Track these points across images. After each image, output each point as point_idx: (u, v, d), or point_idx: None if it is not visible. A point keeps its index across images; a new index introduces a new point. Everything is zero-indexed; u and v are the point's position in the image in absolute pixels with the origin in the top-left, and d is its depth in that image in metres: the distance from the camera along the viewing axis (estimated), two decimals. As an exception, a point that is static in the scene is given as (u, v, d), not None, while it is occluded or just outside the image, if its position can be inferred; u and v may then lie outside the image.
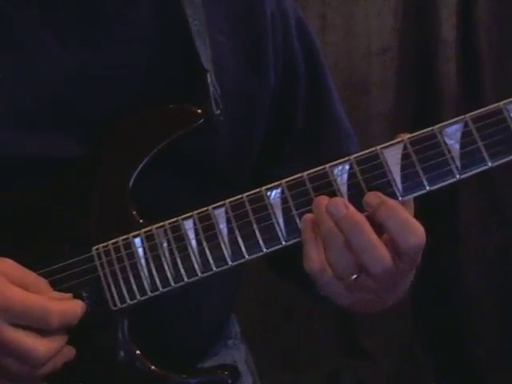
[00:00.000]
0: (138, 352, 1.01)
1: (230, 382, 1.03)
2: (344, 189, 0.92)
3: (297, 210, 0.94)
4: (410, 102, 2.66)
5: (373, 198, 0.91)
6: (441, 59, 2.60)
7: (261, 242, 0.95)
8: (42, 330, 0.93)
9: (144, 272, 0.98)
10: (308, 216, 0.93)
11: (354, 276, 0.91)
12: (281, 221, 0.94)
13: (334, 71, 2.51)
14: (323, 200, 0.92)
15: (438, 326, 2.71)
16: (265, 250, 0.95)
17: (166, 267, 0.97)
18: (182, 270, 0.97)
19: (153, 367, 1.01)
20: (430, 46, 2.61)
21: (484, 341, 2.64)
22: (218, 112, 1.05)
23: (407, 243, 0.89)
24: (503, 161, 0.89)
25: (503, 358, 2.61)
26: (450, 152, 0.90)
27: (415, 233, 0.89)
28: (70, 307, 0.96)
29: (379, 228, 0.91)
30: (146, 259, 0.98)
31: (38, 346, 0.92)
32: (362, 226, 0.89)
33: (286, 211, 0.94)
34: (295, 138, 1.22)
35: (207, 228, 0.96)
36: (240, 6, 1.15)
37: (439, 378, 2.69)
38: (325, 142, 1.23)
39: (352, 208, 0.90)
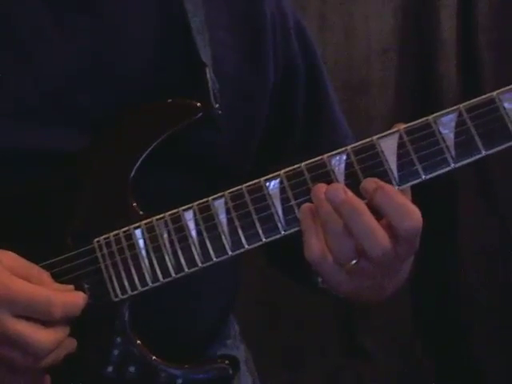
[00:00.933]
0: (138, 342, 1.01)
1: (230, 371, 1.04)
2: (341, 178, 0.94)
3: (295, 200, 0.95)
4: (409, 102, 2.66)
5: (370, 183, 0.92)
6: (441, 59, 2.60)
7: (260, 231, 0.96)
8: (44, 321, 0.93)
9: (145, 263, 0.99)
10: (306, 205, 0.94)
11: (354, 261, 0.92)
12: (279, 210, 0.95)
13: (333, 71, 2.53)
14: (321, 187, 0.93)
15: (438, 326, 2.71)
16: (264, 239, 0.96)
17: (167, 258, 0.98)
18: (183, 261, 0.98)
19: (154, 357, 1.02)
20: (430, 46, 2.61)
21: (484, 341, 2.64)
22: (217, 106, 1.06)
23: (404, 226, 0.90)
24: (497, 149, 0.90)
25: (503, 358, 2.61)
26: (444, 141, 0.91)
27: (411, 216, 0.91)
28: (72, 299, 0.97)
29: (377, 214, 0.92)
30: (147, 250, 0.99)
31: (41, 337, 0.93)
32: (361, 210, 0.91)
33: (284, 201, 0.95)
34: (295, 137, 1.23)
35: (207, 219, 0.97)
36: (240, 3, 1.16)
37: (439, 377, 2.69)
38: (323, 142, 1.24)
39: (351, 193, 0.91)
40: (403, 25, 2.62)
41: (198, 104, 1.05)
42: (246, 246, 0.96)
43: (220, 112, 1.06)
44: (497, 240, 2.64)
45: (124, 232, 1.00)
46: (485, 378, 2.64)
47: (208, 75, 1.07)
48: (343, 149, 0.94)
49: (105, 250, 1.00)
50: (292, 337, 2.65)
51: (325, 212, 0.92)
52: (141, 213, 1.01)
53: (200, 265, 0.98)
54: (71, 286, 0.99)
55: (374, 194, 0.91)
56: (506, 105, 0.89)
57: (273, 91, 1.17)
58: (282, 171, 0.96)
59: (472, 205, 2.62)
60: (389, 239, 0.91)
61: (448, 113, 0.92)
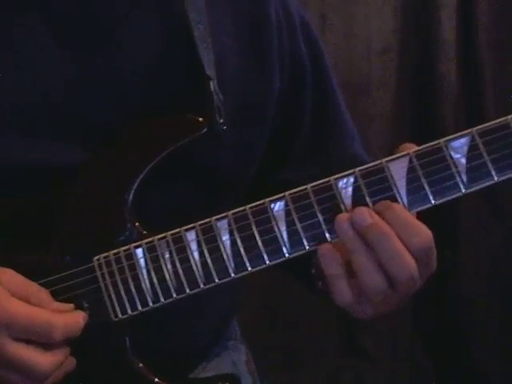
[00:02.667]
0: (141, 365, 1.00)
1: None
2: (348, 202, 0.92)
3: (301, 223, 0.93)
4: (409, 102, 2.66)
5: (379, 204, 0.92)
6: (441, 59, 2.60)
7: (264, 254, 0.94)
8: (44, 343, 0.92)
9: (145, 283, 0.97)
10: (326, 247, 0.92)
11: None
12: (284, 234, 0.93)
13: (333, 71, 2.52)
14: (344, 217, 0.91)
15: (438, 326, 2.71)
16: (268, 262, 0.94)
17: (168, 278, 0.96)
18: (184, 282, 0.96)
19: (156, 379, 1.00)
20: (430, 46, 2.61)
21: (484, 341, 2.64)
22: (221, 121, 1.04)
23: (412, 244, 0.89)
24: (510, 175, 0.89)
25: (503, 358, 2.61)
26: (456, 166, 0.90)
27: (419, 233, 0.90)
28: (72, 319, 0.95)
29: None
30: (148, 270, 0.97)
31: (41, 360, 0.91)
32: (389, 234, 0.89)
33: (289, 224, 0.93)
34: (302, 139, 1.21)
35: (210, 240, 0.96)
36: (245, 7, 1.14)
37: (439, 377, 2.69)
38: (330, 143, 1.23)
39: (377, 217, 0.90)
40: (403, 25, 2.61)
41: (201, 119, 1.02)
42: (250, 269, 0.95)
43: (225, 128, 1.04)
44: (497, 241, 2.64)
45: (124, 251, 0.98)
46: (485, 378, 2.64)
47: (212, 88, 1.05)
48: (351, 171, 0.92)
49: (104, 269, 0.98)
50: (292, 337, 2.65)
51: (352, 239, 0.90)
52: (144, 232, 1.00)
53: (202, 286, 0.96)
54: (71, 306, 0.97)
55: (382, 213, 0.90)
56: (520, 130, 0.88)
57: (279, 93, 1.15)
58: (287, 193, 0.94)
59: (473, 206, 2.62)
60: (415, 262, 0.90)
61: (460, 137, 0.90)
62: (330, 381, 2.70)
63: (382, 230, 0.89)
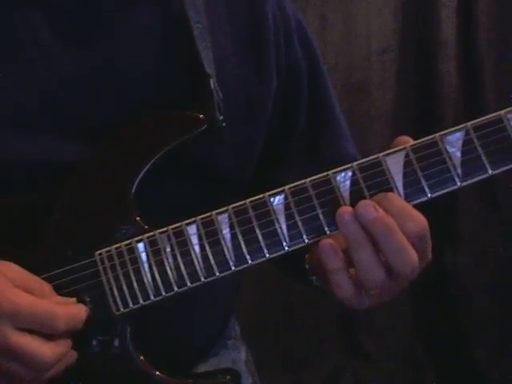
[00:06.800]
0: (141, 358, 1.01)
1: None
2: (346, 195, 0.93)
3: (300, 217, 0.94)
4: (410, 101, 2.67)
5: (376, 196, 0.92)
6: (441, 59, 2.61)
7: (264, 247, 0.95)
8: (47, 334, 0.93)
9: (147, 277, 0.98)
10: (327, 242, 0.92)
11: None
12: (284, 227, 0.94)
13: (333, 71, 2.54)
14: (347, 209, 0.92)
15: (439, 326, 2.71)
16: (268, 255, 0.95)
17: (169, 272, 0.97)
18: (185, 275, 0.97)
19: (157, 372, 1.01)
20: (430, 46, 2.62)
21: (484, 341, 2.64)
22: (221, 118, 1.05)
23: (408, 230, 0.90)
24: (503, 169, 0.90)
25: (503, 358, 2.62)
26: (451, 160, 0.91)
27: (414, 220, 0.90)
28: (75, 311, 0.96)
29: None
30: (149, 264, 0.98)
31: (45, 350, 0.92)
32: (394, 228, 0.89)
33: (289, 217, 0.94)
34: (297, 139, 1.22)
35: (210, 233, 0.96)
36: (241, 7, 1.15)
37: (439, 377, 2.70)
38: (324, 144, 1.23)
39: (382, 211, 0.90)
40: (403, 25, 2.63)
41: (202, 116, 1.03)
42: (250, 262, 0.95)
43: (224, 124, 1.05)
44: (497, 240, 2.64)
45: (126, 245, 0.99)
46: (484, 378, 2.64)
47: (212, 86, 1.06)
48: (349, 165, 0.93)
49: (106, 263, 0.99)
50: (292, 337, 2.65)
51: (354, 234, 0.90)
52: (145, 227, 1.00)
53: (203, 279, 0.97)
54: (73, 299, 0.98)
55: (379, 202, 0.91)
56: (513, 124, 0.89)
57: (275, 94, 1.16)
58: (287, 187, 0.95)
59: (472, 205, 2.62)
60: (417, 256, 0.90)
61: (455, 131, 0.91)
62: (330, 381, 2.70)
63: (387, 224, 0.89)
